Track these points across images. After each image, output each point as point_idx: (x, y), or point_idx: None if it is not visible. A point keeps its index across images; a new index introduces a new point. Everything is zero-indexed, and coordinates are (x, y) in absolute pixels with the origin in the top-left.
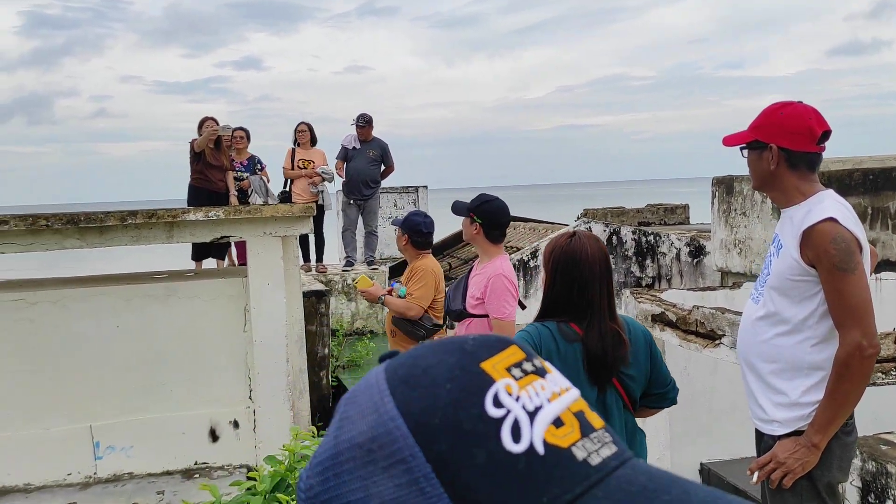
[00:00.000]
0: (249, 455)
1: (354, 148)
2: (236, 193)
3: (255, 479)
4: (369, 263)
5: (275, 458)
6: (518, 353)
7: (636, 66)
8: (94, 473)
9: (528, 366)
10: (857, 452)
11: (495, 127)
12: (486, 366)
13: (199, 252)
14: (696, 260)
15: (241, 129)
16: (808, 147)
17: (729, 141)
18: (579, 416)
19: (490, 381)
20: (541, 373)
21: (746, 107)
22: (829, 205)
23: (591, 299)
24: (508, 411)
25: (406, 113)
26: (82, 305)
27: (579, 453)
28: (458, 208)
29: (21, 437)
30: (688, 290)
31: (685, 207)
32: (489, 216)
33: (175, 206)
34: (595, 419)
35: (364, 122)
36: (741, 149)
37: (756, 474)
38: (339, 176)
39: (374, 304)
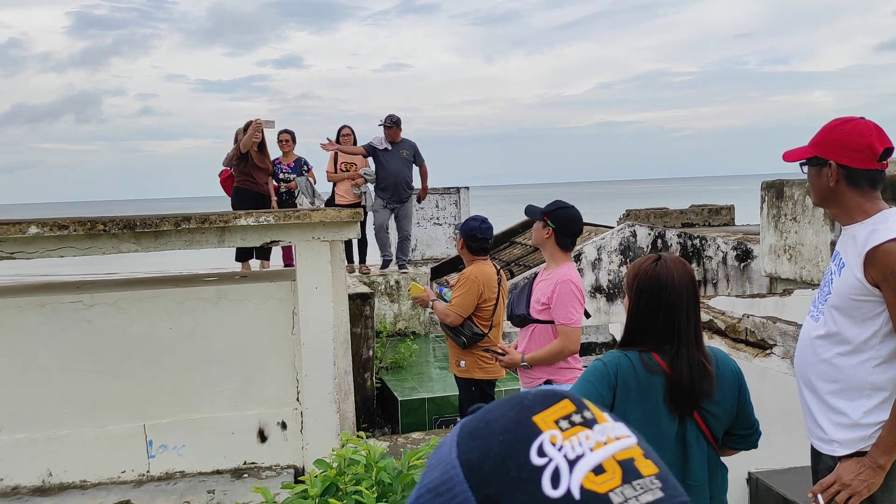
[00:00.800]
0: (297, 456)
1: (386, 150)
2: (276, 198)
3: (304, 482)
4: (401, 267)
5: (325, 461)
6: (569, 406)
7: (678, 62)
8: (148, 471)
9: (576, 417)
10: None
11: (534, 124)
12: (538, 419)
13: (244, 254)
14: (743, 264)
15: (287, 131)
16: (869, 164)
17: (789, 157)
18: (625, 463)
19: (538, 433)
20: (589, 423)
21: (792, 102)
22: (894, 224)
23: (678, 327)
24: (550, 460)
25: (445, 110)
26: (137, 307)
27: (616, 499)
28: (531, 211)
29: (78, 435)
30: (737, 296)
31: (730, 208)
32: (562, 222)
33: (214, 203)
34: (646, 466)
35: (392, 123)
36: (801, 164)
37: (819, 497)
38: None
39: (426, 307)
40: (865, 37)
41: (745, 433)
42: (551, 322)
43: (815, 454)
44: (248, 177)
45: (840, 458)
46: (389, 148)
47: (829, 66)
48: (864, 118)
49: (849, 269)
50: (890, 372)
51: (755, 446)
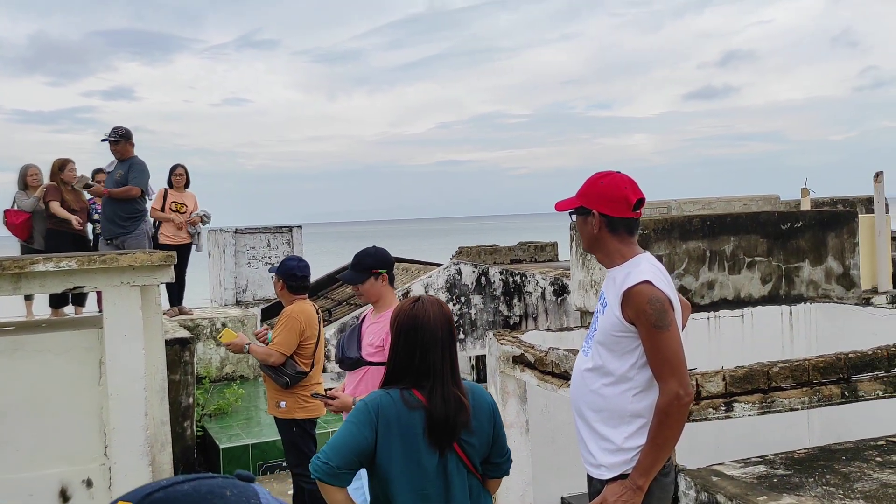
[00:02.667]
0: None
1: (110, 173)
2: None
3: None
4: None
5: None
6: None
7: (512, 105)
8: None
9: None
10: (692, 484)
11: (378, 161)
12: None
13: (57, 300)
14: (559, 299)
15: (102, 170)
16: (625, 213)
17: (560, 206)
18: None
19: None
20: None
21: (615, 144)
22: (645, 268)
23: (433, 364)
24: None
25: (287, 146)
26: None
27: None
28: (352, 278)
29: None
30: (548, 330)
31: (554, 245)
32: (388, 261)
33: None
34: None
35: (118, 137)
36: (570, 214)
37: None
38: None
39: (242, 353)
40: (676, 87)
41: (499, 461)
42: (384, 364)
43: (589, 479)
44: (63, 219)
45: (607, 481)
46: (111, 170)
47: (646, 112)
48: (619, 172)
49: (610, 308)
50: (647, 400)
51: (507, 473)
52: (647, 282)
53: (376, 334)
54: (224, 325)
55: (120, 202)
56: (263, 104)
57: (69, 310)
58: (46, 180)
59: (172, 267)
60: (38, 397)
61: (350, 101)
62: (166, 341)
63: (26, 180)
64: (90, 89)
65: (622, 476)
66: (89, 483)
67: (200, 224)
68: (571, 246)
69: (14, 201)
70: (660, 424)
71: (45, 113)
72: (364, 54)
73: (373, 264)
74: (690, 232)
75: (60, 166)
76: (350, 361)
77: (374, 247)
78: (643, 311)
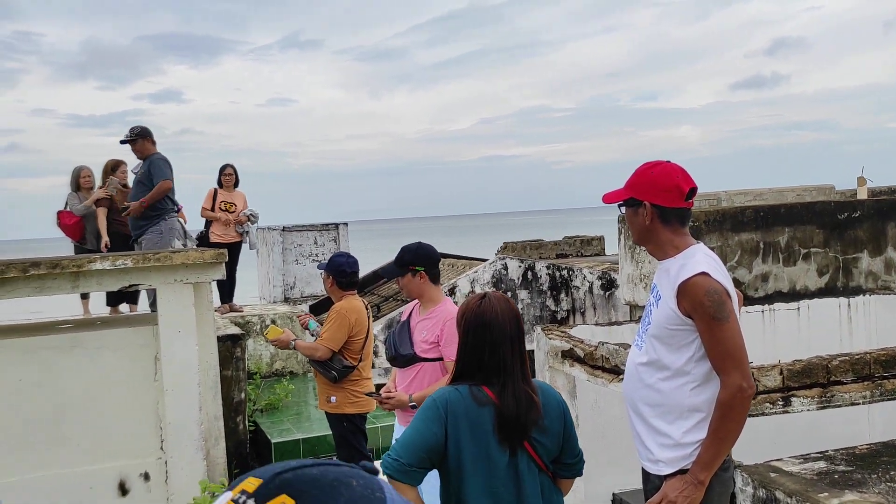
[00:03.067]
0: None
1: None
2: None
3: None
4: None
5: None
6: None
7: (556, 98)
8: None
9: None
10: (749, 480)
11: (420, 158)
12: None
13: (114, 298)
14: (608, 293)
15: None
16: (678, 203)
17: (608, 198)
18: None
19: None
20: None
21: (661, 136)
22: (700, 258)
23: (503, 361)
24: None
25: (330, 145)
26: None
27: None
28: (390, 271)
29: None
30: (596, 324)
31: (601, 239)
32: (427, 259)
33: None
34: None
35: (133, 136)
36: (619, 206)
37: None
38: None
39: (288, 349)
40: (723, 76)
41: (572, 462)
42: (439, 360)
43: (645, 475)
44: (118, 219)
45: (666, 477)
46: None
47: (693, 103)
48: (669, 161)
49: (664, 301)
50: (705, 394)
51: (580, 474)
52: (703, 273)
53: (429, 330)
54: (273, 321)
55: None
56: (307, 104)
57: (124, 308)
58: (99, 182)
59: (224, 264)
60: (96, 393)
61: (392, 98)
62: (218, 338)
63: (79, 182)
64: (139, 93)
65: (681, 471)
66: (146, 476)
67: (248, 223)
68: (619, 239)
69: (67, 203)
70: (722, 418)
71: (96, 117)
72: (406, 52)
73: (410, 261)
74: (743, 223)
75: (113, 167)
76: (404, 358)
77: (417, 243)
78: (701, 304)
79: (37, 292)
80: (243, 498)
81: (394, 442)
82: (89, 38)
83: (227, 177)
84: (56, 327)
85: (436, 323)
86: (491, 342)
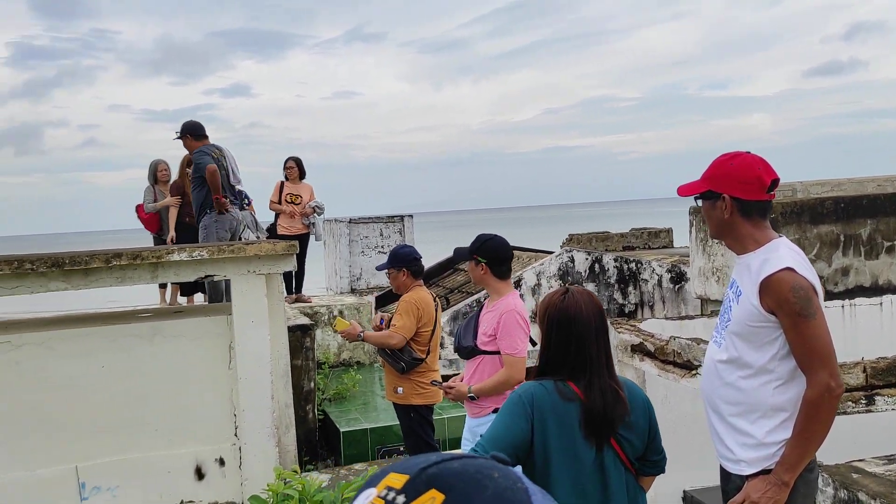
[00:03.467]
0: (235, 492)
1: None
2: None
3: None
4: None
5: (259, 497)
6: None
7: (622, 88)
8: None
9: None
10: (830, 481)
11: (483, 149)
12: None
13: (190, 288)
14: (677, 286)
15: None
16: (759, 195)
17: (683, 191)
18: None
19: None
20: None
21: (731, 126)
22: (784, 253)
23: (589, 356)
24: None
25: (394, 137)
26: (67, 346)
27: None
28: (460, 254)
29: (6, 479)
30: (667, 318)
31: (669, 231)
32: (491, 254)
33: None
34: None
35: (178, 134)
36: (695, 199)
37: None
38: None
39: (356, 341)
40: (796, 63)
41: (657, 458)
42: (498, 353)
43: (725, 474)
44: (189, 214)
45: (747, 477)
46: None
47: (765, 91)
48: (750, 152)
49: (745, 297)
50: (789, 392)
51: (663, 471)
52: (788, 269)
53: (489, 323)
54: (340, 313)
55: (194, 195)
56: (372, 96)
57: (197, 297)
58: (175, 175)
59: (294, 256)
60: (174, 380)
61: (456, 89)
62: (288, 328)
63: (156, 175)
64: (210, 87)
65: (764, 472)
66: (221, 462)
67: (315, 215)
68: (690, 231)
69: (144, 197)
70: (809, 418)
71: (169, 111)
72: (469, 43)
73: (477, 250)
74: (822, 215)
75: (189, 162)
76: (465, 350)
77: (492, 235)
78: (786, 301)
79: (118, 282)
80: (392, 494)
81: (465, 434)
82: (163, 36)
83: (290, 169)
84: (136, 316)
85: (494, 316)
86: (576, 337)
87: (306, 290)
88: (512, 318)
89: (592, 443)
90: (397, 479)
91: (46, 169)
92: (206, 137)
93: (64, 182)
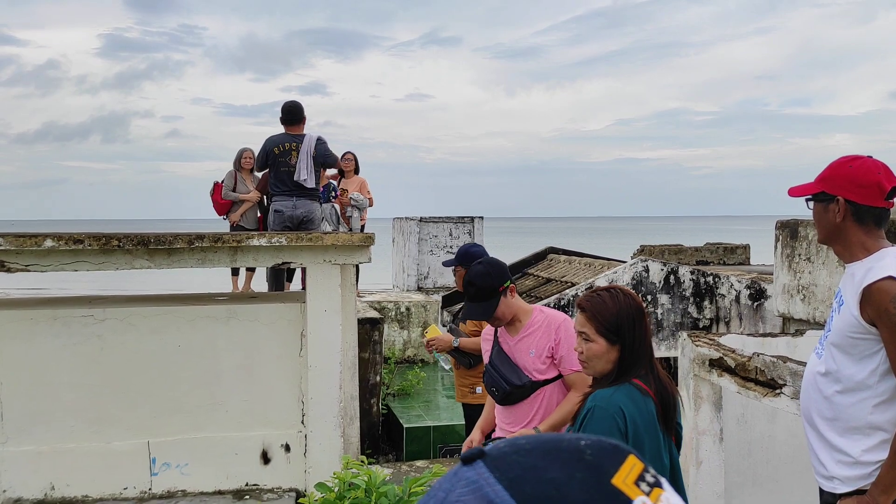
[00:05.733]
0: (299, 479)
1: None
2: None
3: None
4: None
5: (325, 485)
6: (637, 463)
7: (699, 101)
8: (150, 489)
9: (649, 477)
10: None
11: (553, 158)
12: (618, 482)
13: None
14: (756, 303)
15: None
16: (876, 202)
17: (795, 192)
18: None
19: (627, 501)
20: (660, 484)
21: (813, 145)
22: (889, 262)
23: (650, 349)
24: None
25: (465, 141)
26: (148, 323)
27: None
28: (480, 312)
29: (83, 449)
30: (748, 335)
31: (745, 248)
32: (502, 268)
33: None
34: None
35: (288, 115)
36: (807, 200)
37: None
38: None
39: (449, 350)
40: (884, 83)
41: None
42: (558, 377)
43: (821, 492)
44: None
45: (841, 496)
46: None
47: (850, 111)
48: (871, 157)
49: (847, 307)
50: (889, 412)
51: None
52: (891, 277)
53: (540, 344)
54: (434, 321)
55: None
56: (444, 99)
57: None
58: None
59: (370, 249)
60: (246, 364)
61: (528, 96)
62: (358, 320)
63: (241, 162)
64: (288, 84)
65: (859, 492)
66: (287, 448)
67: (352, 208)
68: (776, 246)
69: (224, 180)
70: None
71: (248, 107)
72: (544, 50)
73: (498, 282)
74: None
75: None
76: (521, 390)
77: (484, 263)
78: (886, 311)
79: (199, 264)
80: (648, 476)
81: None
82: (248, 33)
83: (347, 161)
84: (213, 299)
85: (546, 332)
86: (647, 331)
87: (372, 286)
88: (569, 327)
89: (668, 435)
90: (638, 464)
91: (131, 157)
92: (292, 123)
93: (147, 170)
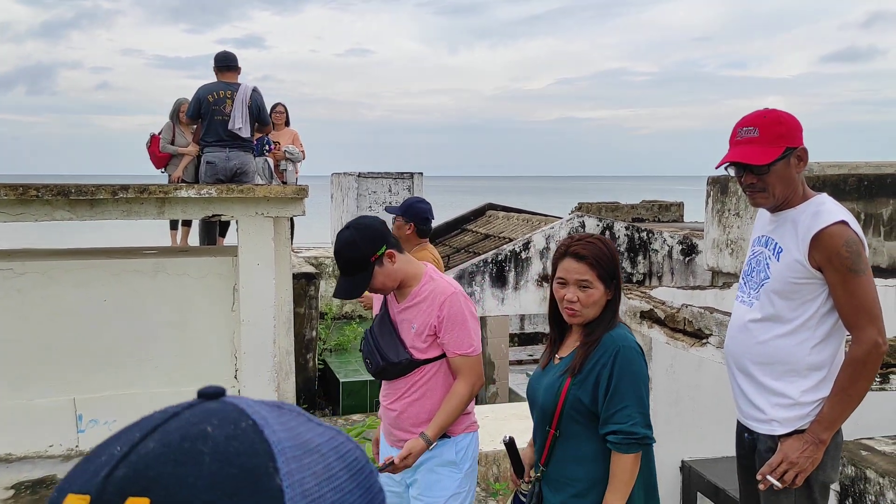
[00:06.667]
0: None
1: None
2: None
3: None
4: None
5: None
6: None
7: (639, 62)
8: (76, 446)
9: None
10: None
11: (495, 116)
12: None
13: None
14: (687, 258)
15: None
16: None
17: (762, 158)
18: None
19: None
20: None
21: (748, 107)
22: (832, 207)
23: None
24: None
25: (406, 98)
26: (71, 277)
27: None
28: (352, 288)
29: (4, 407)
30: (678, 288)
31: (680, 205)
32: (383, 233)
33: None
34: None
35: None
36: (770, 164)
37: (770, 477)
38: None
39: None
40: (815, 47)
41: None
42: (442, 357)
43: (742, 439)
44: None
45: (780, 438)
46: None
47: (784, 73)
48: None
49: (788, 254)
50: (826, 351)
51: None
52: (842, 222)
53: (422, 318)
54: None
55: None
56: (386, 55)
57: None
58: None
59: (304, 202)
60: (176, 319)
61: (471, 54)
62: (293, 275)
63: (179, 114)
64: (224, 37)
65: (796, 432)
66: None
67: (286, 161)
68: (707, 202)
69: (161, 131)
70: (854, 375)
71: (182, 59)
72: (487, 7)
73: (370, 250)
74: (844, 192)
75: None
76: (397, 368)
77: (351, 228)
78: (837, 254)
79: (124, 216)
80: None
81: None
82: None
83: (278, 114)
84: (141, 253)
85: (428, 306)
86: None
87: (313, 241)
88: (457, 303)
89: None
90: (79, 500)
91: (59, 109)
92: (226, 71)
93: (76, 124)
